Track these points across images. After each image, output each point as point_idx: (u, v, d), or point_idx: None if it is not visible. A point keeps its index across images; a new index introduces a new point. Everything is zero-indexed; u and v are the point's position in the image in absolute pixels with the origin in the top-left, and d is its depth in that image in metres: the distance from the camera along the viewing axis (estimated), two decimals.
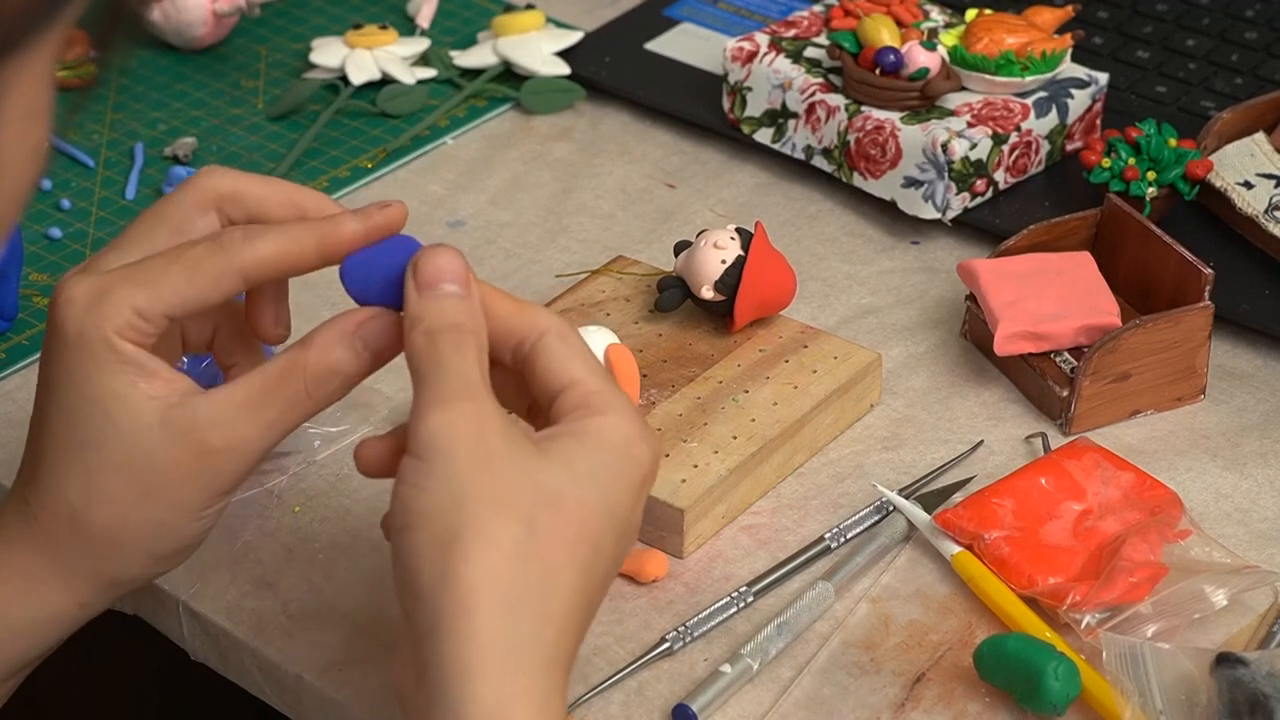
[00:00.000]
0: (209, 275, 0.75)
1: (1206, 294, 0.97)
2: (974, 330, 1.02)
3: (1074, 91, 1.12)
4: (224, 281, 0.75)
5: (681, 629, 0.86)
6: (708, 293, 0.97)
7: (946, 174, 1.08)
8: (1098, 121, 1.15)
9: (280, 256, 0.76)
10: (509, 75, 1.23)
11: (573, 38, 1.24)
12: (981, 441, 0.97)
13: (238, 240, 0.76)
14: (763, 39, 1.16)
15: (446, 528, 0.69)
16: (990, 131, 1.09)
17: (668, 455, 0.91)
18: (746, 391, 0.95)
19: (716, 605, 0.87)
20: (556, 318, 0.75)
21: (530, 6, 1.26)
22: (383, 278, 0.76)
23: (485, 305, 0.75)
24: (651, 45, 1.25)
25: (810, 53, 1.15)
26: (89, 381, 0.75)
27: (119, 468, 0.75)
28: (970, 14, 1.14)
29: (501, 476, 0.70)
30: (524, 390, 0.76)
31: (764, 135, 1.15)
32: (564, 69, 1.22)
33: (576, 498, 0.71)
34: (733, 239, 0.98)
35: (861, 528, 0.92)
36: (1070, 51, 1.13)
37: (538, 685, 0.69)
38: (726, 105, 1.17)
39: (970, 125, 1.09)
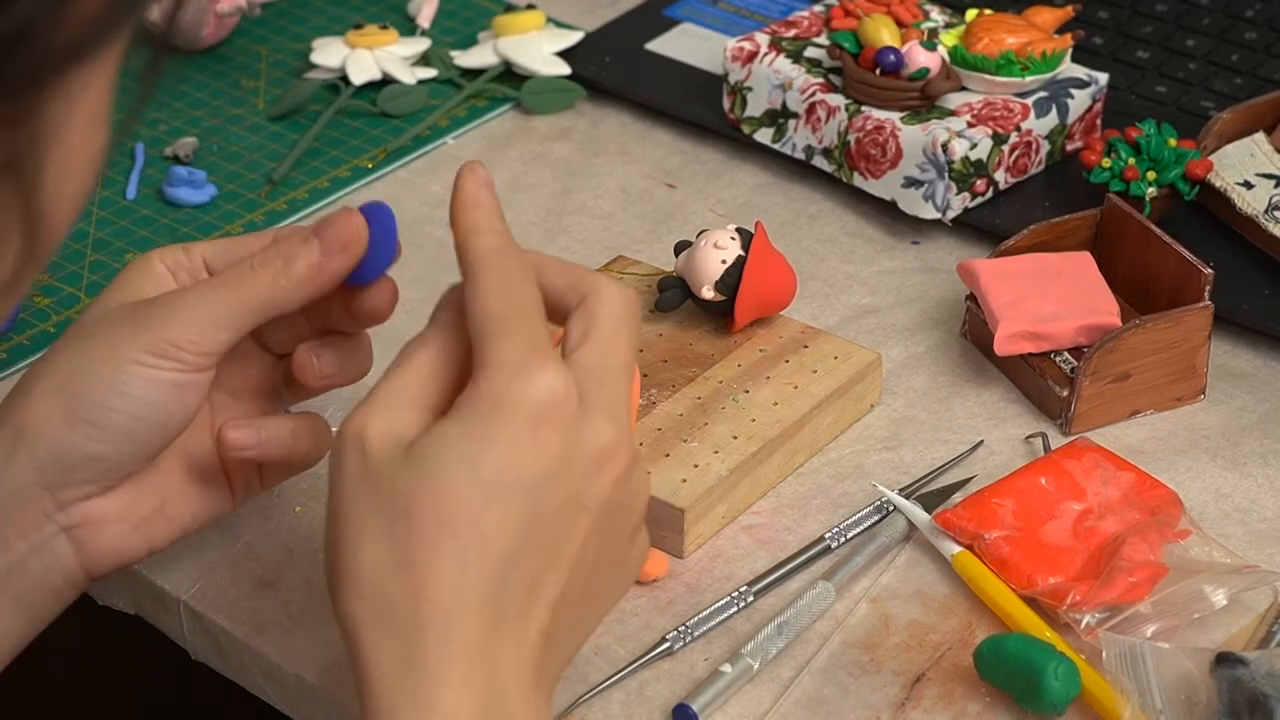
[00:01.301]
0: (248, 237, 0.82)
1: (1206, 294, 0.97)
2: (974, 330, 1.02)
3: (1074, 91, 1.12)
4: (258, 240, 0.81)
5: (682, 629, 0.86)
6: (708, 293, 0.97)
7: (947, 174, 1.08)
8: (1098, 121, 1.15)
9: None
10: (509, 75, 1.23)
11: (573, 38, 1.24)
12: (981, 441, 0.97)
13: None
14: (763, 39, 1.16)
15: (330, 564, 0.72)
16: (990, 131, 1.09)
17: (668, 455, 0.91)
18: (747, 391, 0.95)
19: (717, 605, 0.88)
20: (454, 300, 0.75)
21: (530, 6, 1.26)
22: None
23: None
24: (652, 45, 1.25)
25: (810, 53, 1.15)
26: (107, 290, 0.81)
27: (75, 328, 0.79)
28: (970, 14, 1.15)
29: (359, 502, 0.71)
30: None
31: (764, 135, 1.16)
32: (564, 69, 1.22)
33: (429, 491, 0.70)
34: (733, 239, 0.98)
35: (861, 528, 0.92)
36: (1070, 51, 1.13)
37: (417, 692, 0.69)
38: (726, 105, 1.17)
39: (970, 125, 1.09)
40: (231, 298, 0.78)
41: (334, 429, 0.96)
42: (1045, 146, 1.12)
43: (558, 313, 0.75)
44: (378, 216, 0.80)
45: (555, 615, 0.72)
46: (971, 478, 0.95)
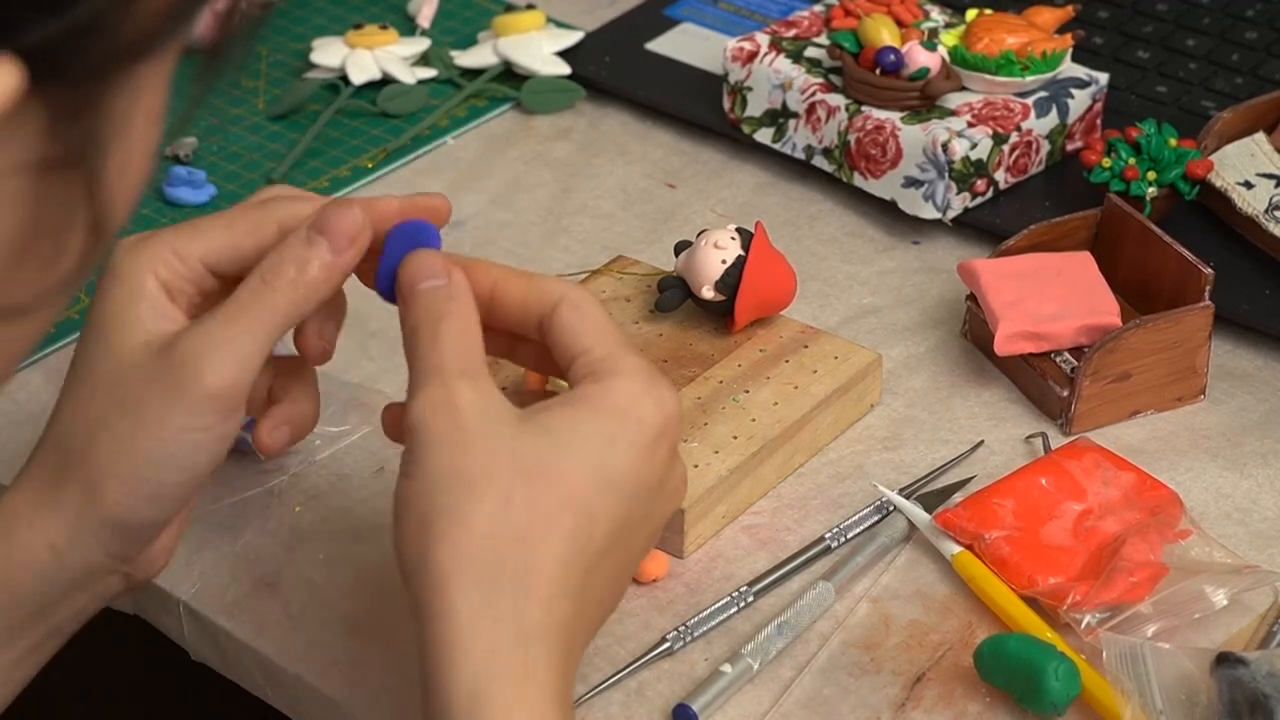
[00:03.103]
0: (247, 223, 0.78)
1: (1207, 294, 0.97)
2: (974, 330, 1.02)
3: (1074, 91, 1.12)
4: (261, 231, 0.78)
5: (682, 629, 0.86)
6: (708, 293, 0.97)
7: (947, 174, 1.08)
8: (1098, 121, 1.15)
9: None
10: (509, 75, 1.23)
11: (573, 38, 1.24)
12: (982, 441, 0.97)
13: (281, 198, 0.79)
14: (763, 39, 1.16)
15: (423, 512, 0.71)
16: (990, 131, 1.09)
17: None
18: (747, 391, 0.95)
19: (717, 605, 0.87)
20: (571, 286, 0.77)
21: (530, 6, 1.26)
22: (391, 272, 0.79)
23: (499, 287, 0.77)
24: (652, 45, 1.25)
25: (810, 53, 1.15)
26: (102, 311, 0.77)
27: (103, 388, 0.76)
28: (970, 14, 1.14)
29: (476, 454, 0.71)
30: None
31: (764, 135, 1.15)
32: (564, 69, 1.22)
33: (560, 466, 0.71)
34: (733, 239, 0.98)
35: (862, 528, 0.92)
36: (1070, 51, 1.13)
37: (517, 660, 0.69)
38: (727, 105, 1.17)
39: (970, 125, 1.09)
40: (255, 327, 0.76)
41: (331, 428, 0.96)
42: (1045, 146, 1.12)
43: (524, 323, 0.77)
44: (420, 236, 0.79)
45: (602, 612, 0.75)
46: (972, 478, 0.95)
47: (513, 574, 0.70)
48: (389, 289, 0.78)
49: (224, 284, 0.78)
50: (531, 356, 0.80)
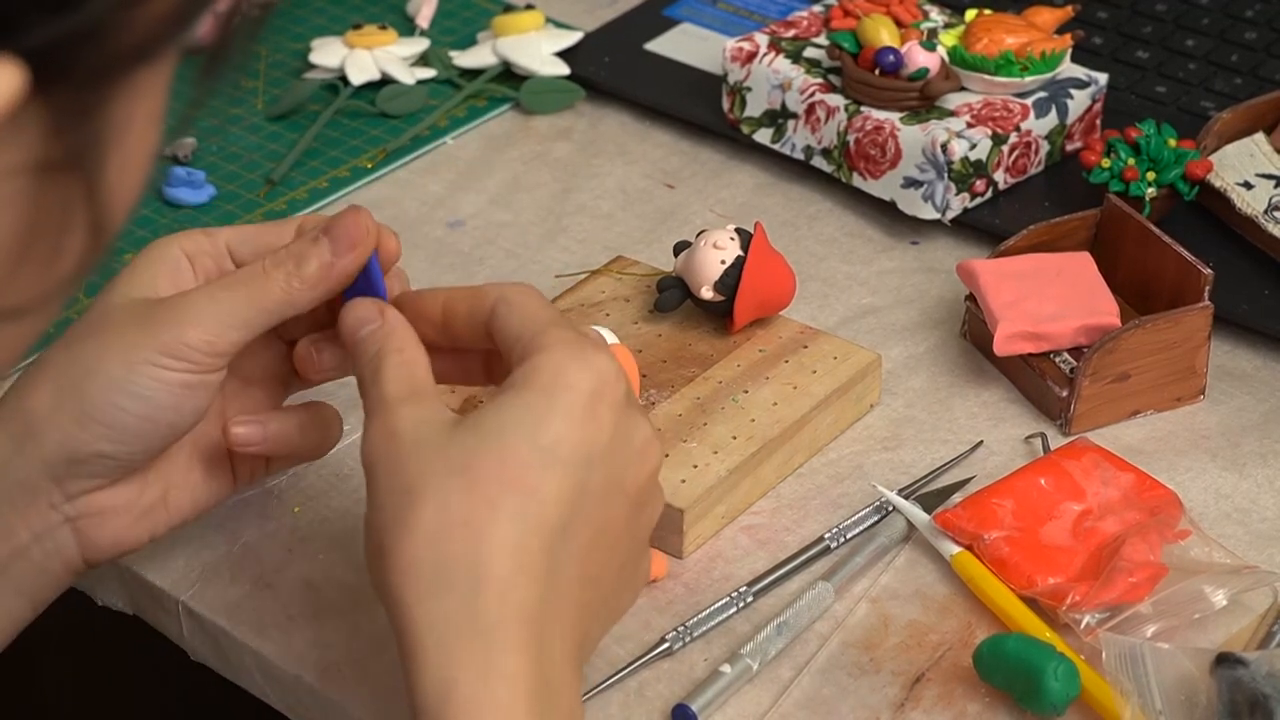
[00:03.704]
0: (274, 224, 0.83)
1: (1206, 294, 0.97)
2: (974, 330, 1.02)
3: (1073, 92, 1.12)
4: (283, 229, 0.83)
5: (681, 629, 0.86)
6: (707, 293, 0.97)
7: (946, 174, 1.08)
8: (1097, 122, 1.15)
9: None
10: (509, 75, 1.23)
11: (572, 38, 1.24)
12: (981, 442, 0.97)
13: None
14: (762, 39, 1.16)
15: (377, 534, 0.72)
16: (990, 132, 1.09)
17: (667, 455, 0.91)
18: (746, 392, 0.95)
19: (716, 605, 0.87)
20: (507, 286, 0.78)
21: (530, 6, 1.26)
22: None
23: (448, 308, 0.79)
24: (651, 45, 1.25)
25: (810, 53, 1.15)
26: (126, 269, 0.82)
27: (89, 318, 0.80)
28: (970, 14, 1.14)
29: (410, 467, 0.72)
30: None
31: (763, 135, 1.15)
32: (564, 69, 1.22)
33: (492, 455, 0.71)
34: (732, 239, 0.98)
35: (861, 528, 0.92)
36: (1070, 52, 1.13)
37: (476, 656, 0.69)
38: (726, 105, 1.17)
39: (970, 125, 1.09)
40: (245, 299, 0.79)
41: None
42: (1045, 147, 1.12)
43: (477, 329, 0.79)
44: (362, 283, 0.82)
45: (593, 593, 0.74)
46: (971, 478, 0.95)
47: (463, 571, 0.70)
48: None
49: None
50: (502, 370, 0.79)
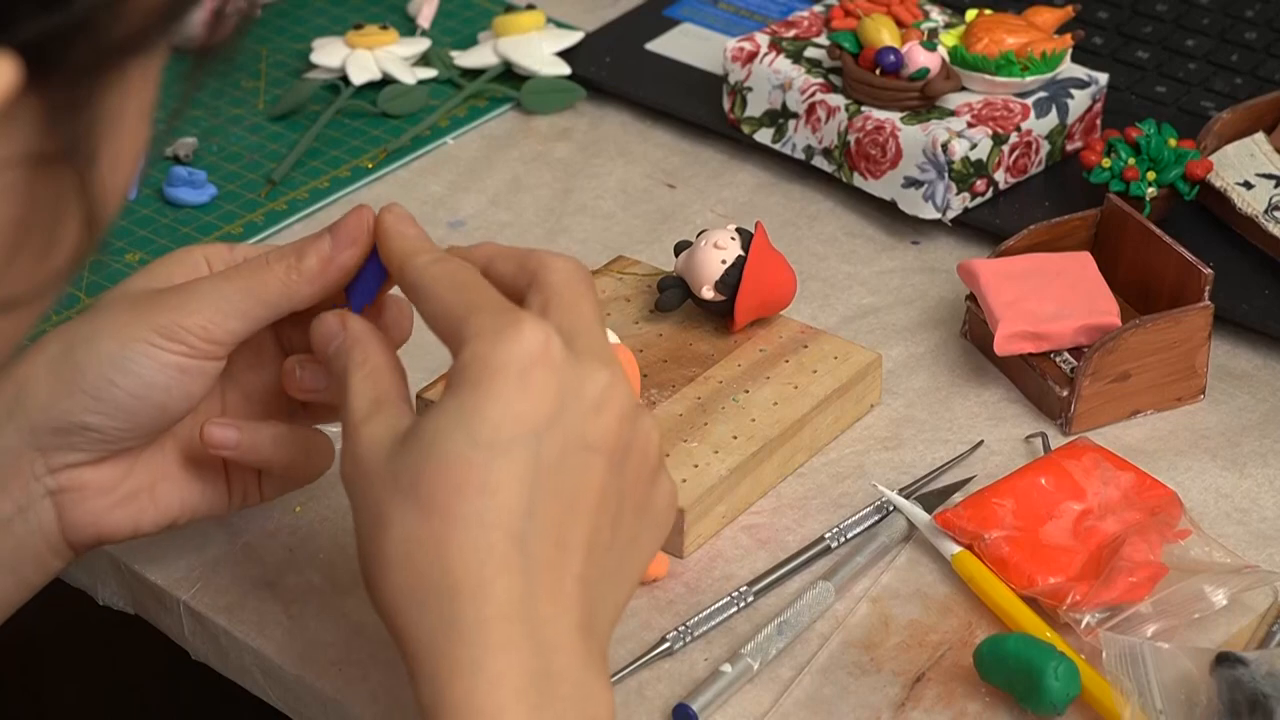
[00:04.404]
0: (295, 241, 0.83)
1: (1206, 294, 0.97)
2: (974, 330, 1.02)
3: (1074, 91, 1.12)
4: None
5: (682, 629, 0.86)
6: (708, 293, 0.97)
7: (947, 174, 1.08)
8: (1098, 122, 1.15)
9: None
10: (509, 75, 1.23)
11: (573, 38, 1.24)
12: (981, 441, 0.97)
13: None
14: (763, 39, 1.16)
15: (362, 563, 0.73)
16: (990, 131, 1.09)
17: (668, 455, 0.91)
18: (747, 391, 0.95)
19: (717, 605, 0.88)
20: (428, 274, 0.76)
21: (531, 6, 1.26)
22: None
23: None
24: (652, 45, 1.25)
25: (810, 53, 1.15)
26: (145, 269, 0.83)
27: (97, 303, 0.81)
28: (970, 14, 1.14)
29: (372, 494, 0.72)
30: None
31: (764, 135, 1.15)
32: (564, 69, 1.22)
33: (433, 462, 0.70)
34: (733, 239, 0.98)
35: (862, 528, 0.92)
36: (1070, 51, 1.13)
37: (462, 659, 0.69)
38: (726, 105, 1.17)
39: (970, 125, 1.09)
40: (244, 289, 0.79)
41: (331, 428, 0.96)
42: (1045, 146, 1.12)
43: (513, 298, 0.76)
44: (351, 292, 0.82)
45: (589, 562, 0.72)
46: (971, 478, 0.95)
47: (435, 586, 0.70)
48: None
49: None
50: None
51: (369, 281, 0.81)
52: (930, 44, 1.11)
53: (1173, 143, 1.07)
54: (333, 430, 0.83)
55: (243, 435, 0.82)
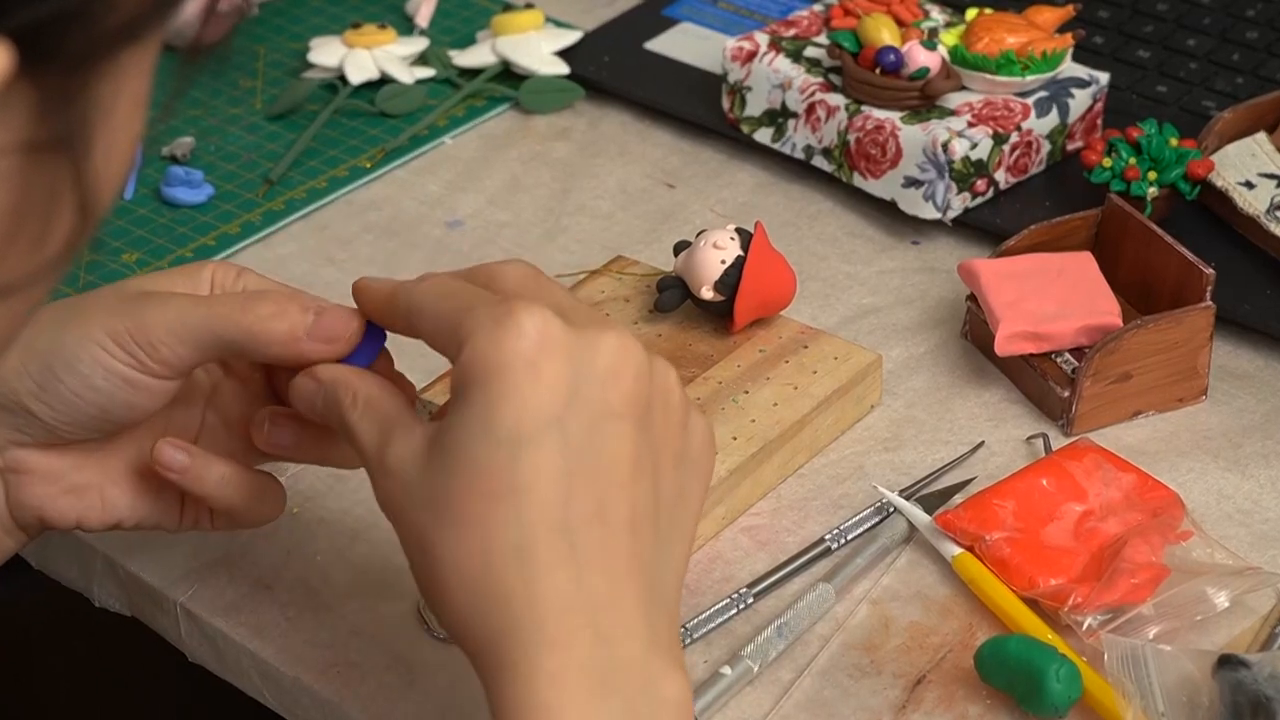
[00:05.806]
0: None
1: (1208, 294, 0.97)
2: (974, 330, 1.02)
3: (1075, 91, 1.12)
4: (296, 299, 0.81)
5: (682, 630, 0.86)
6: (707, 293, 0.97)
7: (947, 174, 1.08)
8: (1098, 121, 1.14)
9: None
10: (508, 75, 1.23)
11: (572, 37, 1.24)
12: (982, 442, 0.97)
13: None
14: (762, 39, 1.16)
15: (421, 588, 0.72)
16: (991, 131, 1.08)
17: None
18: (746, 392, 0.95)
19: (716, 607, 0.87)
20: (413, 293, 0.75)
21: (529, 6, 1.25)
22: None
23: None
24: (651, 45, 1.25)
25: (810, 52, 1.15)
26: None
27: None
28: (970, 13, 1.14)
29: (410, 517, 0.71)
30: None
31: (764, 135, 1.15)
32: (563, 69, 1.22)
33: (461, 473, 0.69)
34: (732, 239, 0.98)
35: (862, 529, 0.91)
36: (1071, 51, 1.12)
37: (520, 661, 0.69)
38: (726, 105, 1.17)
39: (971, 125, 1.08)
40: (207, 318, 0.77)
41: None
42: (1046, 146, 1.12)
43: None
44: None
45: (638, 534, 0.71)
46: (972, 479, 0.94)
47: (488, 595, 0.69)
48: None
49: None
50: None
51: (366, 350, 0.79)
52: (930, 43, 1.10)
53: (1174, 142, 1.07)
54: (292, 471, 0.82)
55: (192, 463, 0.80)
